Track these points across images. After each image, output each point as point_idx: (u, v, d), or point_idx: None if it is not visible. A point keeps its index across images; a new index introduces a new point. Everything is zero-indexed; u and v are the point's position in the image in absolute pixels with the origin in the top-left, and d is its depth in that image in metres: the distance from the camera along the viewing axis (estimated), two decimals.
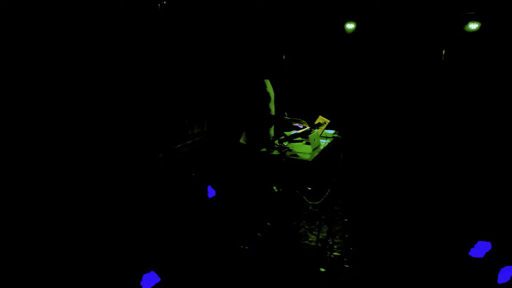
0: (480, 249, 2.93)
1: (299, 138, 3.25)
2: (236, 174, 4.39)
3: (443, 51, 5.46)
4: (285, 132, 3.36)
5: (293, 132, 3.31)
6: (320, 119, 3.33)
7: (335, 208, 4.02)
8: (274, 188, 4.47)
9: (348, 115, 5.75)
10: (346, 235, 3.50)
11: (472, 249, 2.92)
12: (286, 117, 3.26)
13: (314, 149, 2.94)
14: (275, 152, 2.92)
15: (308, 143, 3.05)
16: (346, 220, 3.85)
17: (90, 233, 3.14)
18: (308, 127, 3.24)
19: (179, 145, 4.33)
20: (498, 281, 2.58)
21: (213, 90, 4.84)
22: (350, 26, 5.50)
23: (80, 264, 2.81)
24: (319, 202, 3.93)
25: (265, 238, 3.40)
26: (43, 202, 2.85)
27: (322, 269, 2.92)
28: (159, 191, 3.94)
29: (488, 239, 3.35)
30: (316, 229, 3.64)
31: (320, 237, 3.47)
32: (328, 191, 3.59)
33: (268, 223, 3.67)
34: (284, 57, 3.14)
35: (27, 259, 2.67)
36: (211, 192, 4.08)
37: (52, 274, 2.66)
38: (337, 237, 3.47)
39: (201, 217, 3.76)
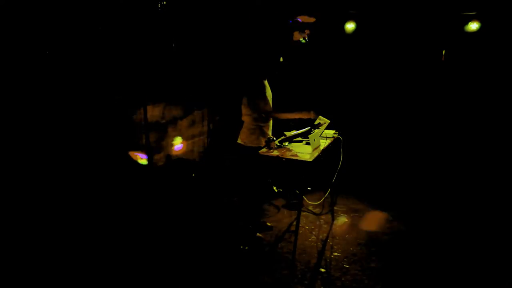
0: None
1: (299, 138, 3.25)
2: (235, 174, 4.39)
3: (443, 51, 5.46)
4: (285, 132, 3.36)
5: (293, 132, 3.31)
6: (320, 119, 3.33)
7: (335, 208, 4.02)
8: (274, 188, 4.48)
9: (348, 115, 5.74)
10: (346, 235, 3.50)
11: None
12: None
13: (314, 149, 2.94)
14: (275, 152, 2.91)
15: (308, 143, 3.05)
16: (346, 220, 3.85)
17: (91, 232, 3.14)
18: (308, 127, 3.24)
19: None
20: None
21: (213, 90, 4.84)
22: (350, 26, 5.50)
23: (81, 264, 2.81)
24: (319, 202, 3.93)
25: (264, 238, 3.40)
26: (45, 202, 2.85)
27: (322, 269, 2.92)
28: (159, 191, 3.94)
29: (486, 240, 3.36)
30: (316, 229, 3.64)
31: (320, 237, 3.47)
32: (328, 191, 3.59)
33: (268, 223, 3.67)
34: (281, 59, 3.15)
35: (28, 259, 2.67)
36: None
37: (55, 274, 2.66)
38: (337, 237, 3.47)
39: (201, 217, 3.76)
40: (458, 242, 3.37)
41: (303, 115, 3.21)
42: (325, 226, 3.71)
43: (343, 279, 2.79)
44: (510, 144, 5.09)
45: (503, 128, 5.19)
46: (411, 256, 3.14)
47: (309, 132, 3.14)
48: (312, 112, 3.19)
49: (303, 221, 3.74)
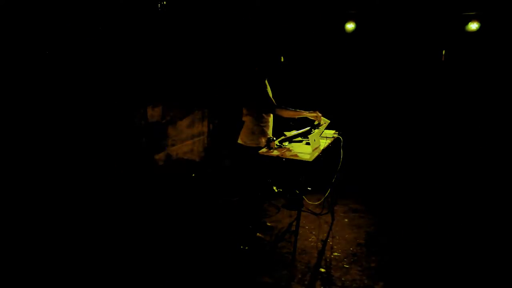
0: None
1: (299, 138, 3.25)
2: (235, 174, 4.39)
3: (443, 51, 5.46)
4: (285, 132, 3.36)
5: (293, 132, 3.31)
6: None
7: (335, 208, 4.02)
8: (274, 188, 4.48)
9: (348, 115, 5.75)
10: (346, 235, 3.50)
11: None
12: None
13: (314, 149, 2.94)
14: (275, 152, 2.92)
15: (308, 143, 3.05)
16: (346, 220, 3.85)
17: (92, 232, 3.14)
18: (308, 127, 3.24)
19: (179, 145, 4.34)
20: None
21: (213, 91, 4.85)
22: (350, 26, 5.50)
23: (81, 264, 2.81)
24: (319, 202, 3.93)
25: (264, 238, 3.40)
26: (43, 203, 2.85)
27: (322, 269, 2.92)
28: (158, 191, 3.94)
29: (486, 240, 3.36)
30: (316, 229, 3.64)
31: (320, 237, 3.47)
32: (328, 191, 3.59)
33: (268, 223, 3.67)
34: (282, 59, 3.15)
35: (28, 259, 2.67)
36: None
37: (55, 274, 2.66)
38: (337, 237, 3.47)
39: (201, 217, 3.76)
40: (458, 242, 3.37)
41: (308, 115, 3.16)
42: (325, 226, 3.71)
43: (343, 279, 2.79)
44: (510, 144, 5.09)
45: (503, 127, 5.19)
46: (411, 256, 3.14)
47: (309, 132, 3.14)
48: (317, 112, 3.15)
49: (303, 221, 3.74)
